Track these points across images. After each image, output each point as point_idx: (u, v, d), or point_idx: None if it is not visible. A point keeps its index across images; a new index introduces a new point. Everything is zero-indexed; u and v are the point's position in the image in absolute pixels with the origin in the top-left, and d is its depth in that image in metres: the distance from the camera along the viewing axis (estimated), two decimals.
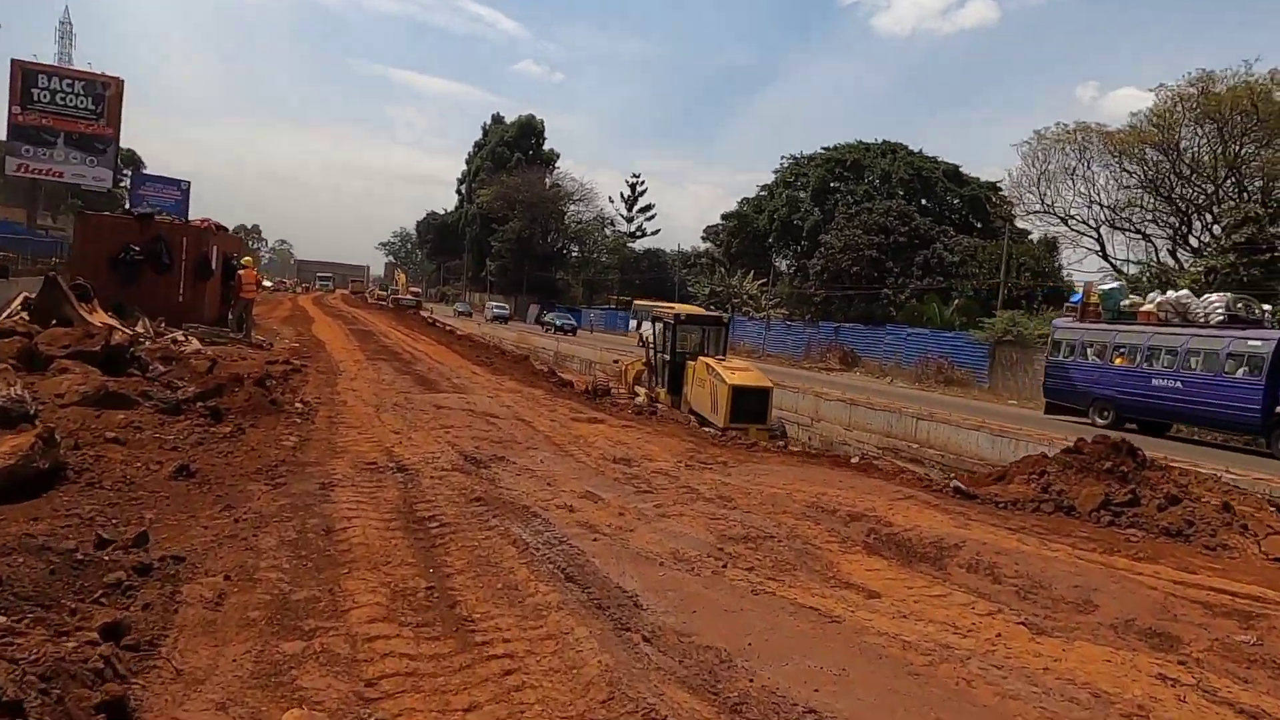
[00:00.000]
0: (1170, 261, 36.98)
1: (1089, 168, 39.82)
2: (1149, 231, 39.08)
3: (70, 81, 51.43)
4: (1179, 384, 18.72)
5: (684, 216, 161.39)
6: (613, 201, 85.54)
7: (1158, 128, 36.21)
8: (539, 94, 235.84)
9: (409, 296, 62.52)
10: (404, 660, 3.61)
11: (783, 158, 61.79)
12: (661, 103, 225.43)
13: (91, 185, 53.02)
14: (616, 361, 23.82)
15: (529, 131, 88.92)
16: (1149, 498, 7.23)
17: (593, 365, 29.25)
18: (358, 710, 3.18)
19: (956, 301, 41.06)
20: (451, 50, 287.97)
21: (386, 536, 5.23)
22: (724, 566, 5.24)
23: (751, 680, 3.66)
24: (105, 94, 51.72)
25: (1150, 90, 46.46)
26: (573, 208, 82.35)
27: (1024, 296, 38.73)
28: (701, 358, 15.94)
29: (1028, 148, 41.36)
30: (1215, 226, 35.37)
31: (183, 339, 14.23)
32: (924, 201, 51.40)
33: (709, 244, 68.21)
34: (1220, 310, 18.94)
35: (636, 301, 20.19)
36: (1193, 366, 18.63)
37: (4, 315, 11.54)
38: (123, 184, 61.17)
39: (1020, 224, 44.29)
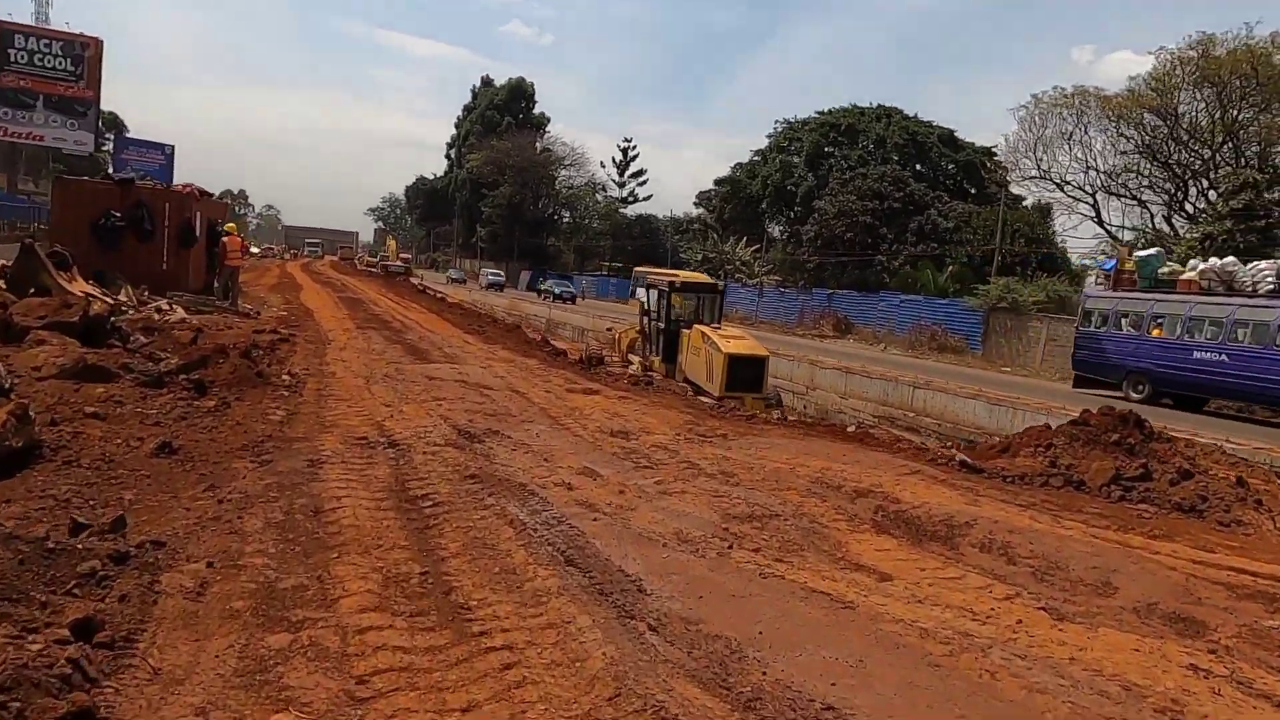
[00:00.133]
0: (1165, 228, 36.79)
1: (1086, 132, 39.38)
2: (1144, 198, 38.87)
3: (49, 42, 50.03)
4: (1224, 357, 17.45)
5: (676, 182, 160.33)
6: (604, 167, 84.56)
7: (1156, 92, 35.78)
8: (529, 57, 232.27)
9: (399, 263, 61.83)
10: (397, 654, 3.41)
11: (776, 122, 61.12)
12: (653, 65, 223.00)
13: (73, 149, 51.88)
14: (610, 330, 23.55)
15: (519, 95, 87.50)
16: (1161, 472, 7.07)
17: (585, 333, 28.97)
18: (348, 712, 2.98)
19: (950, 268, 40.82)
20: (438, 8, 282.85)
21: (378, 517, 5.01)
22: (729, 548, 5.05)
23: (764, 673, 3.47)
24: (85, 55, 50.37)
25: (1151, 53, 45.93)
26: (564, 173, 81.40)
27: (1018, 263, 38.51)
28: (696, 326, 15.70)
29: (1025, 112, 40.83)
30: (1211, 192, 35.12)
31: (167, 308, 13.90)
32: (919, 167, 50.91)
33: (701, 210, 67.47)
34: (1270, 278, 17.66)
35: (638, 268, 19.78)
36: (1239, 339, 17.36)
37: None
38: (105, 148, 59.98)
39: (1015, 190, 43.92)
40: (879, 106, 54.73)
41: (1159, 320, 19.21)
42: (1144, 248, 25.96)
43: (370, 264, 67.94)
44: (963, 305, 35.21)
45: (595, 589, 4.22)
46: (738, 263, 51.86)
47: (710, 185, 65.82)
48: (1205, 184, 36.35)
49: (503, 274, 65.44)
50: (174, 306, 14.13)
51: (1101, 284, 22.22)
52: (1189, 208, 37.03)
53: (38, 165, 63.41)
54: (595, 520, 5.33)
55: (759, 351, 14.99)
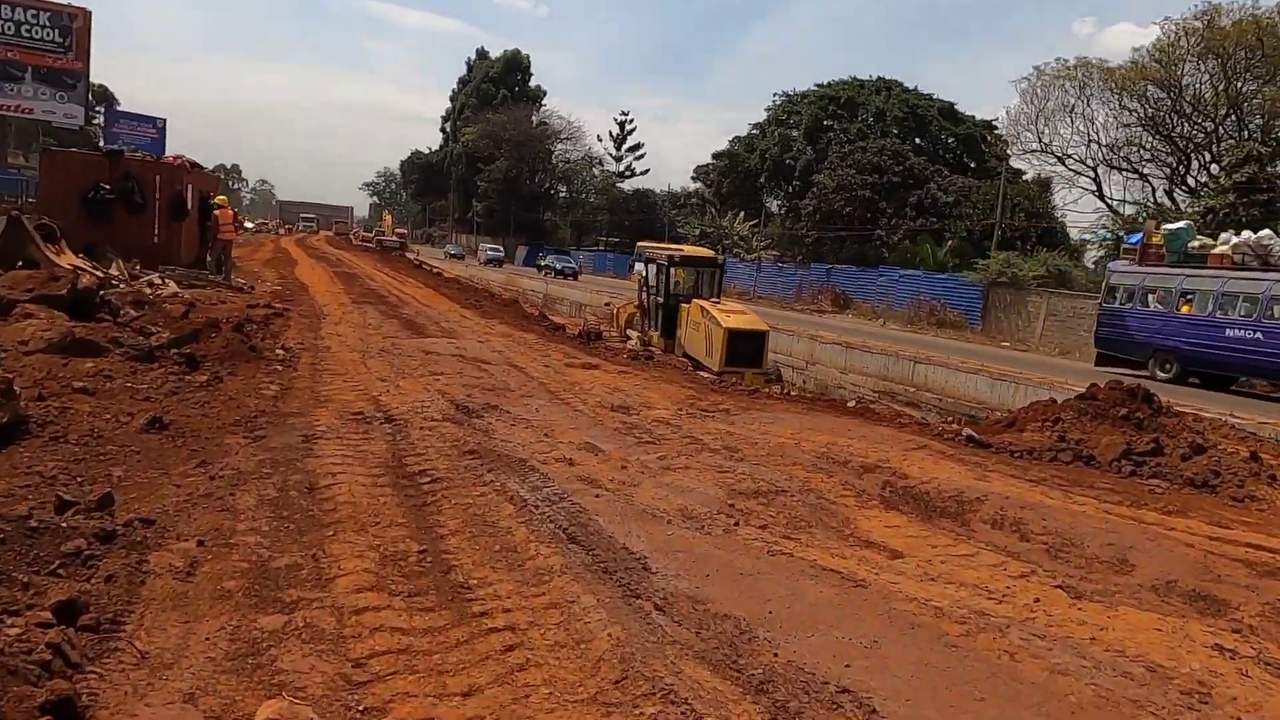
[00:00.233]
0: (1167, 202, 36.50)
1: (1088, 105, 38.90)
2: (1146, 171, 38.49)
3: (35, 12, 49.09)
4: (1259, 335, 16.73)
5: (674, 156, 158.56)
6: (601, 141, 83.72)
7: (1160, 63, 35.34)
8: (524, 28, 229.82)
9: (394, 238, 61.23)
10: (395, 636, 3.28)
11: (775, 95, 60.29)
12: (650, 37, 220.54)
13: (63, 122, 51.10)
14: (608, 304, 23.35)
15: (515, 67, 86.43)
16: (1172, 447, 6.95)
17: (583, 308, 28.76)
18: (344, 697, 2.85)
19: (950, 243, 40.50)
20: None
21: (374, 494, 4.87)
22: (736, 524, 4.92)
23: (776, 654, 3.35)
24: (73, 26, 49.47)
25: (1156, 24, 45.39)
26: (560, 147, 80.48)
27: (1018, 237, 38.23)
28: (695, 300, 15.54)
29: (1027, 84, 40.35)
30: (1214, 166, 34.81)
31: (159, 282, 13.67)
32: (918, 140, 50.37)
33: (699, 184, 66.85)
34: None
35: (641, 243, 19.48)
36: (1276, 316, 16.60)
37: None
38: (96, 121, 59.19)
39: (1016, 163, 43.49)
40: (879, 79, 54.05)
41: (1188, 296, 18.44)
42: (1144, 221, 25.68)
43: (366, 239, 67.33)
44: (962, 280, 34.97)
45: (599, 567, 4.09)
46: (736, 237, 51.45)
47: (708, 159, 65.19)
48: (1208, 157, 36.00)
49: (502, 249, 64.91)
50: (166, 281, 13.90)
51: (1127, 259, 21.14)
52: (1191, 181, 36.71)
53: (27, 139, 62.59)
54: (597, 497, 5.20)
55: (759, 326, 14.83)
